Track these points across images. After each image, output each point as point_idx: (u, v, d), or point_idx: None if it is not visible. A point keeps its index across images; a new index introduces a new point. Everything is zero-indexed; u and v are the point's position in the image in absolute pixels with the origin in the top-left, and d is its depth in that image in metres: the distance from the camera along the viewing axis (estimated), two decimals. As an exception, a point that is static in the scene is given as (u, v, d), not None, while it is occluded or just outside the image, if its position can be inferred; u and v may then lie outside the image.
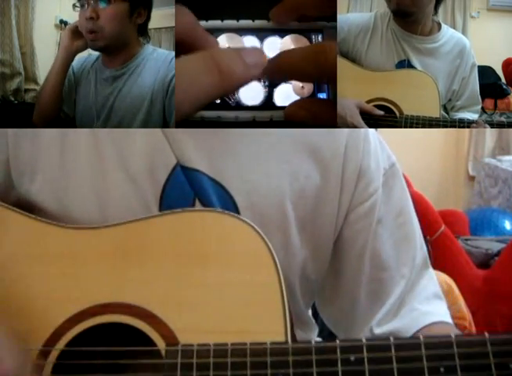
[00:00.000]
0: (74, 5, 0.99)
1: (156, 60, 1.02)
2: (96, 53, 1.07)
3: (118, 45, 1.02)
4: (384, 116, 1.13)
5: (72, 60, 1.04)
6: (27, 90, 1.52)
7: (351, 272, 0.70)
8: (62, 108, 1.06)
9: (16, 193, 0.66)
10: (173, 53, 1.02)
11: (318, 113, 0.53)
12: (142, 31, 1.05)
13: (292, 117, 0.53)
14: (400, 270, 0.70)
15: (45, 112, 1.05)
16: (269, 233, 0.63)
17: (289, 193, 0.66)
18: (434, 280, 0.73)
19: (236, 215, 0.59)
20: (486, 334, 0.50)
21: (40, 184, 0.65)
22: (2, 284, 0.59)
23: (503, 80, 1.53)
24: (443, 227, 2.42)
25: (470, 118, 1.22)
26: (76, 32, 1.01)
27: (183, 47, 0.47)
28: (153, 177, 0.64)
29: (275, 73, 0.48)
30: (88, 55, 1.08)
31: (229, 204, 0.64)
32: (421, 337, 0.50)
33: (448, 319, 0.70)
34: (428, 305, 0.70)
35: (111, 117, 1.02)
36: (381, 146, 0.73)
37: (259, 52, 0.46)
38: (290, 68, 0.48)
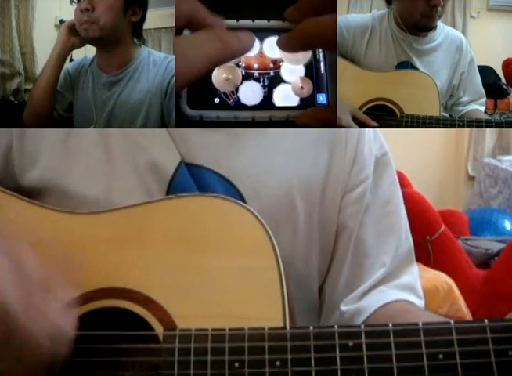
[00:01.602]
0: (72, 0, 1.00)
1: (153, 64, 1.02)
2: (91, 55, 1.07)
3: (112, 40, 1.01)
4: (383, 118, 1.13)
5: (67, 56, 1.04)
6: (27, 90, 1.52)
7: (337, 257, 0.71)
8: (55, 107, 1.06)
9: (16, 184, 0.66)
10: (169, 57, 1.03)
11: (324, 119, 0.54)
12: (137, 32, 1.04)
13: (304, 126, 0.54)
14: (381, 258, 0.70)
15: (37, 108, 1.04)
16: (278, 225, 0.64)
17: (296, 183, 0.67)
18: (415, 275, 0.72)
19: (235, 200, 0.58)
20: (486, 321, 0.49)
21: (42, 175, 0.65)
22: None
23: (503, 80, 1.53)
24: (443, 227, 2.43)
25: (478, 108, 1.24)
26: (73, 29, 1.01)
27: (194, 28, 0.52)
28: (157, 175, 0.64)
29: (301, 40, 0.52)
30: (84, 57, 1.08)
31: (236, 197, 0.64)
32: (420, 323, 0.50)
33: (416, 302, 0.69)
34: (395, 290, 0.70)
35: (111, 123, 1.02)
36: (375, 134, 0.73)
37: (249, 33, 0.53)
38: (319, 35, 0.52)
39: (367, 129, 0.72)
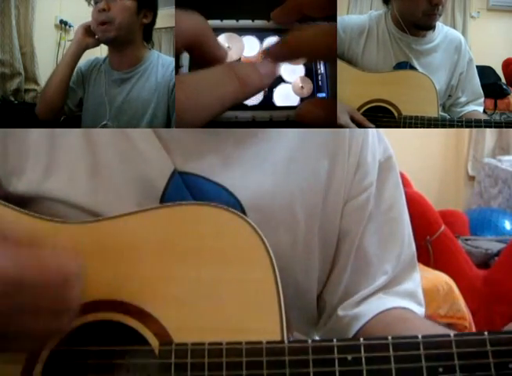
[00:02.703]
0: (89, 3, 1.08)
1: (162, 66, 1.09)
2: (103, 55, 1.13)
3: (125, 40, 1.09)
4: (381, 119, 1.13)
5: (81, 55, 1.11)
6: (26, 90, 1.52)
7: (338, 264, 0.69)
8: (66, 102, 1.13)
9: (2, 193, 0.64)
10: None
11: (323, 111, 0.52)
12: (147, 36, 1.12)
13: (303, 118, 0.53)
14: (383, 267, 0.69)
15: (50, 103, 1.11)
16: (278, 234, 0.63)
17: (297, 191, 0.65)
18: (416, 282, 0.71)
19: (232, 209, 0.57)
20: (485, 334, 0.49)
21: (28, 184, 0.63)
22: None
23: (503, 80, 1.53)
24: (443, 227, 2.43)
25: (477, 109, 1.24)
26: (88, 30, 1.09)
27: (194, 53, 0.48)
28: (149, 188, 0.62)
29: (288, 52, 0.49)
30: (95, 57, 1.15)
31: (235, 206, 0.62)
32: (420, 336, 0.49)
33: (415, 309, 0.69)
34: (395, 296, 0.69)
35: (118, 119, 1.06)
36: (379, 138, 0.71)
37: (271, 63, 0.49)
38: (306, 46, 0.49)
39: (371, 132, 0.70)
